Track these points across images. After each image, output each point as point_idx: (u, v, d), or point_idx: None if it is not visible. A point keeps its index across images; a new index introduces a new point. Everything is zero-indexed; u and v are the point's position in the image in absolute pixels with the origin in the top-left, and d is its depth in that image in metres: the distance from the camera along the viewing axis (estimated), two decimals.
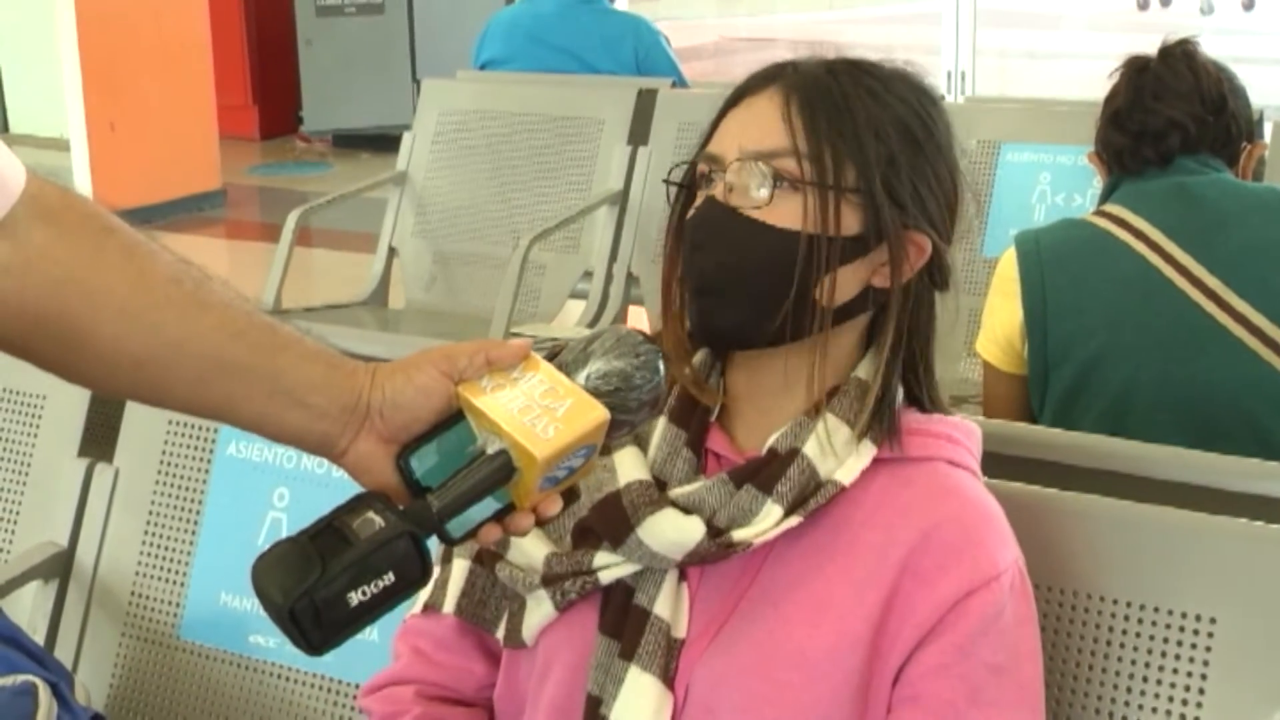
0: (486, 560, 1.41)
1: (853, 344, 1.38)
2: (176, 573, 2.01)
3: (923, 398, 1.40)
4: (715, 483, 1.33)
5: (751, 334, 1.34)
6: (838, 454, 1.33)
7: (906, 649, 1.29)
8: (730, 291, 1.33)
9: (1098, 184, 2.42)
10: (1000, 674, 1.29)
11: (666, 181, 1.40)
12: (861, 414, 1.34)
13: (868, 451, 1.34)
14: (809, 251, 1.31)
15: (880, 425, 1.35)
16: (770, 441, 1.35)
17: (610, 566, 1.33)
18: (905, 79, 1.38)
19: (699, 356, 1.41)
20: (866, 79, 1.35)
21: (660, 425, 1.38)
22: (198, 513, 2.01)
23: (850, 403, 1.34)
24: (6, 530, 2.12)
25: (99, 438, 2.10)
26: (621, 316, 4.00)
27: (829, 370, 1.35)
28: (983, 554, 1.30)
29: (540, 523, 1.16)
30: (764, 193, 1.31)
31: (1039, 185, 3.61)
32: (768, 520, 1.31)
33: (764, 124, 1.34)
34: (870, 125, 1.33)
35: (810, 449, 1.32)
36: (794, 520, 1.31)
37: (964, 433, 1.40)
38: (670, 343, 1.39)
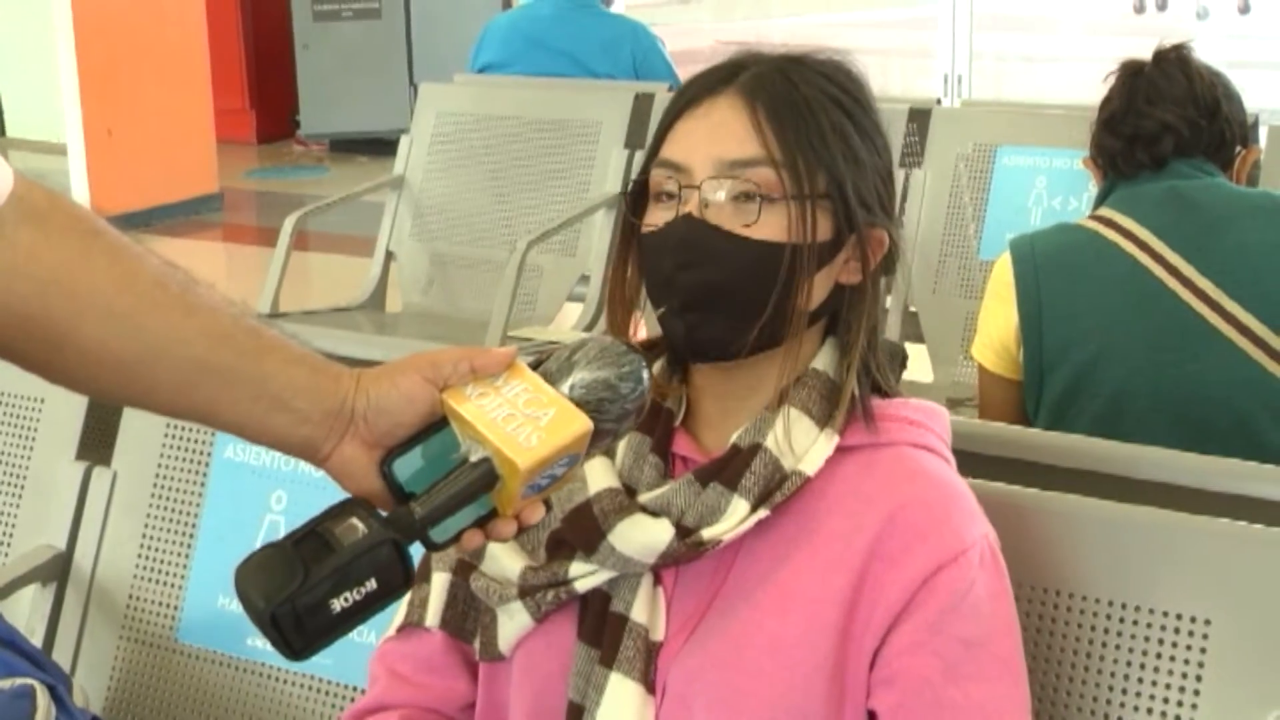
0: (460, 572, 1.41)
1: (815, 339, 1.39)
2: (174, 576, 2.01)
3: (880, 382, 1.40)
4: (682, 484, 1.34)
5: (737, 346, 1.34)
6: (800, 445, 1.34)
7: (880, 631, 1.30)
8: (718, 307, 1.33)
9: (1094, 188, 2.43)
10: (974, 648, 1.30)
11: (624, 194, 1.41)
12: (823, 404, 1.35)
13: (830, 441, 1.35)
14: (792, 261, 1.32)
15: (842, 414, 1.36)
16: (733, 438, 1.35)
17: (586, 575, 1.34)
18: (841, 69, 1.39)
19: (658, 364, 1.42)
20: (818, 78, 1.37)
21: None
22: (195, 516, 2.01)
23: (810, 394, 1.35)
24: (4, 533, 2.12)
25: (97, 441, 2.10)
26: None
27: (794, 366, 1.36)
28: (948, 531, 1.31)
29: (523, 529, 1.17)
30: (750, 210, 1.32)
31: (1035, 189, 3.61)
32: (735, 516, 1.32)
33: (733, 132, 1.34)
34: (834, 128, 1.34)
35: (772, 442, 1.33)
36: (761, 514, 1.32)
37: (926, 414, 1.40)
38: None
